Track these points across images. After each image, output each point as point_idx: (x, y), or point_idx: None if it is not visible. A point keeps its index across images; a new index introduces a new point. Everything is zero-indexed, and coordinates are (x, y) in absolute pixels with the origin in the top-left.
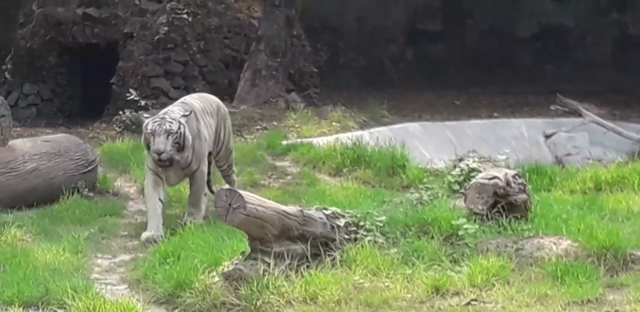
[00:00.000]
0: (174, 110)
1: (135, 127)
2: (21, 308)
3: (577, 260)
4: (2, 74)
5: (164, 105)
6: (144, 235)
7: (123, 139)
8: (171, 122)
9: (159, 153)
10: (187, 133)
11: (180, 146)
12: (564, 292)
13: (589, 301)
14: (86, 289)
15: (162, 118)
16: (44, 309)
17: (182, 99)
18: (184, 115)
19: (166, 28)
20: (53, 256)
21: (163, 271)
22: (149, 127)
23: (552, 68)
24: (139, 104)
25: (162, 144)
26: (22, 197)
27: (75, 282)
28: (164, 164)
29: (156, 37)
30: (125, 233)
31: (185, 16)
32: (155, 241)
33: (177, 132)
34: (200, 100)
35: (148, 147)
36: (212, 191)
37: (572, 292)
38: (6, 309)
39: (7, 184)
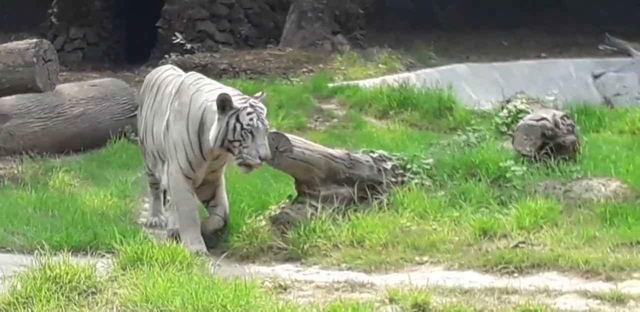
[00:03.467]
0: (233, 91)
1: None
2: (70, 253)
3: (626, 201)
4: (49, 18)
5: (210, 48)
6: (193, 248)
7: None
8: (264, 112)
9: (265, 159)
10: None
11: None
12: (613, 234)
13: (638, 242)
14: (134, 233)
15: (254, 106)
16: (92, 253)
17: (193, 75)
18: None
19: None
20: (101, 201)
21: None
22: (246, 119)
23: (601, 8)
24: (184, 47)
25: (268, 147)
26: (70, 141)
27: (123, 227)
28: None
29: None
30: None
31: None
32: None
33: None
34: None
35: (222, 143)
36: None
37: (621, 234)
38: (55, 254)
39: (54, 128)
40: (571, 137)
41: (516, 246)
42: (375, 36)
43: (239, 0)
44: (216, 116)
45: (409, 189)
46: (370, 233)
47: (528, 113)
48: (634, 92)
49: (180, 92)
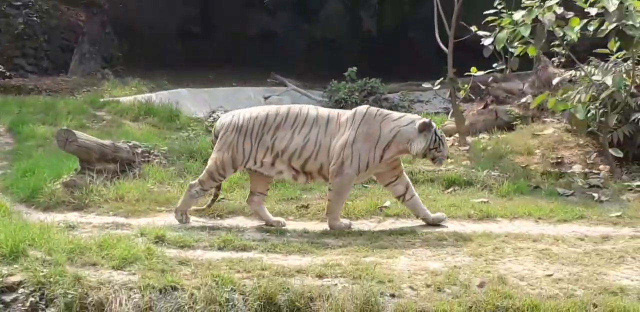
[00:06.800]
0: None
1: None
2: None
3: None
4: None
5: (22, 75)
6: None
7: None
8: None
9: (448, 157)
10: None
11: None
12: (276, 194)
13: (291, 198)
14: None
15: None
16: None
17: (369, 109)
18: None
19: (22, 26)
20: None
21: (23, 181)
22: (439, 133)
23: (271, 60)
24: (5, 74)
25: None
26: None
27: None
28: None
29: (16, 31)
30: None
31: (35, 18)
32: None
33: None
34: None
35: (425, 151)
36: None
37: (281, 194)
38: None
39: None
40: None
41: (219, 200)
42: (130, 69)
43: (41, 45)
44: (419, 134)
45: (152, 165)
46: (127, 192)
47: None
48: None
49: (367, 121)
